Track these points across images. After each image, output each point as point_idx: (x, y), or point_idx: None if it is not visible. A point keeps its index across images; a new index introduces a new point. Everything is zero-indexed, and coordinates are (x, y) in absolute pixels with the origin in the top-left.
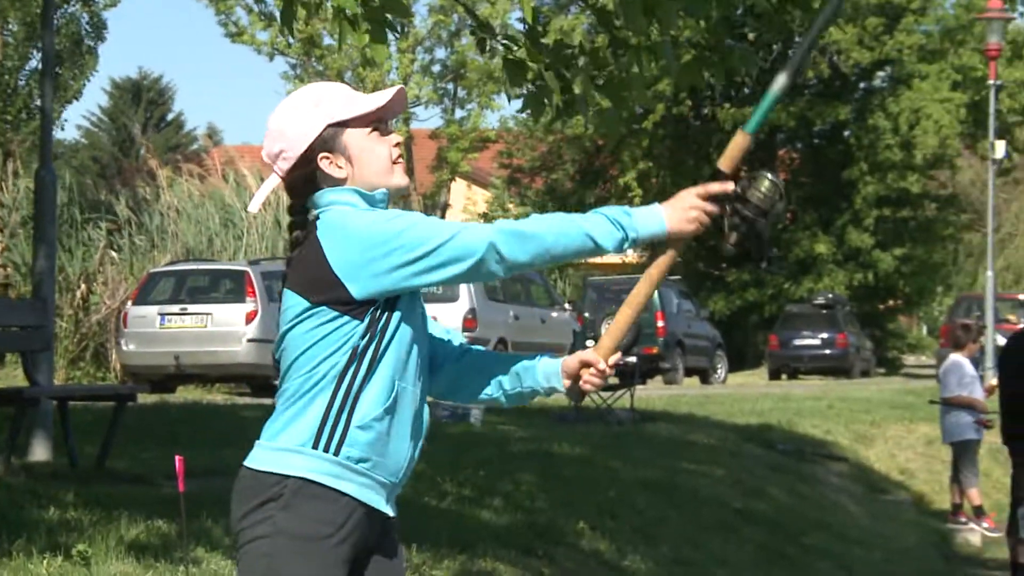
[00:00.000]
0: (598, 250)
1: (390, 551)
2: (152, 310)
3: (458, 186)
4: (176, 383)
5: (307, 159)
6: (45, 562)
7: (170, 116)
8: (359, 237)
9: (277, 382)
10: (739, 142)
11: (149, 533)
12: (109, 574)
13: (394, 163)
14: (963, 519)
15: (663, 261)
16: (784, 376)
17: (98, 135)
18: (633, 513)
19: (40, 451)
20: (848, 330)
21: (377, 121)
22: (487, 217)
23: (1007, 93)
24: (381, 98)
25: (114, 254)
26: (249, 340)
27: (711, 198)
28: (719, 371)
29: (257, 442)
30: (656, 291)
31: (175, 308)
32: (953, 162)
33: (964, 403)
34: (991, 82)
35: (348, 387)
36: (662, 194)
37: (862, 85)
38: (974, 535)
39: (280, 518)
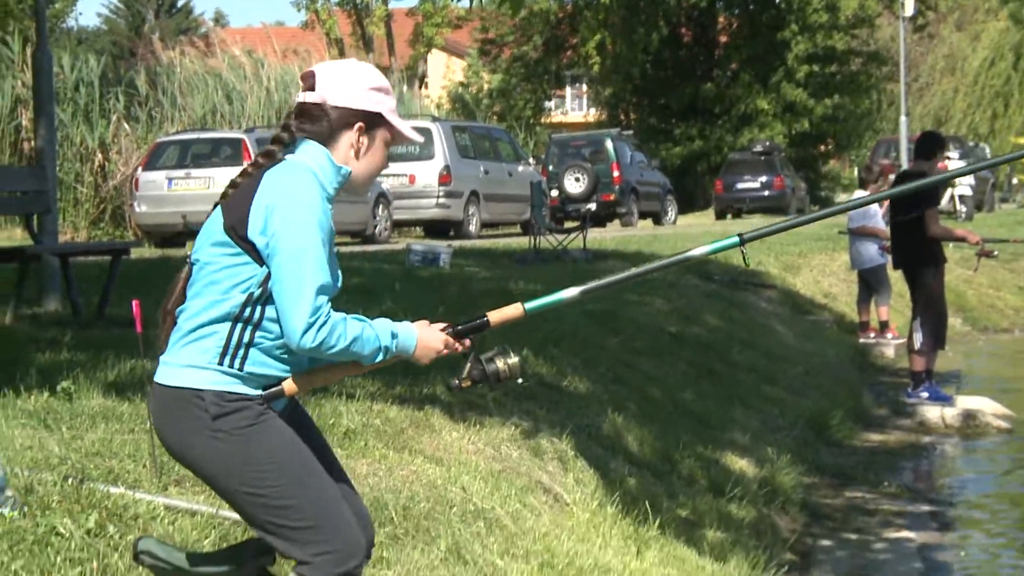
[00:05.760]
0: (362, 359)
1: (298, 419)
2: (161, 175)
3: (439, 57)
4: (185, 239)
5: (350, 117)
6: (32, 398)
7: (180, 2)
8: (285, 198)
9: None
10: (513, 313)
11: (130, 372)
12: (90, 407)
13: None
14: (871, 334)
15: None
16: (729, 216)
17: (116, 21)
18: (575, 341)
19: (51, 303)
20: (784, 173)
21: (393, 142)
22: (464, 86)
23: None
24: (412, 134)
25: (127, 126)
26: None
27: (460, 334)
28: (669, 213)
29: (162, 359)
30: (612, 145)
31: (181, 173)
32: (872, 21)
33: (868, 232)
34: None
35: (248, 318)
36: (616, 59)
37: None
38: (888, 348)
39: (219, 424)
